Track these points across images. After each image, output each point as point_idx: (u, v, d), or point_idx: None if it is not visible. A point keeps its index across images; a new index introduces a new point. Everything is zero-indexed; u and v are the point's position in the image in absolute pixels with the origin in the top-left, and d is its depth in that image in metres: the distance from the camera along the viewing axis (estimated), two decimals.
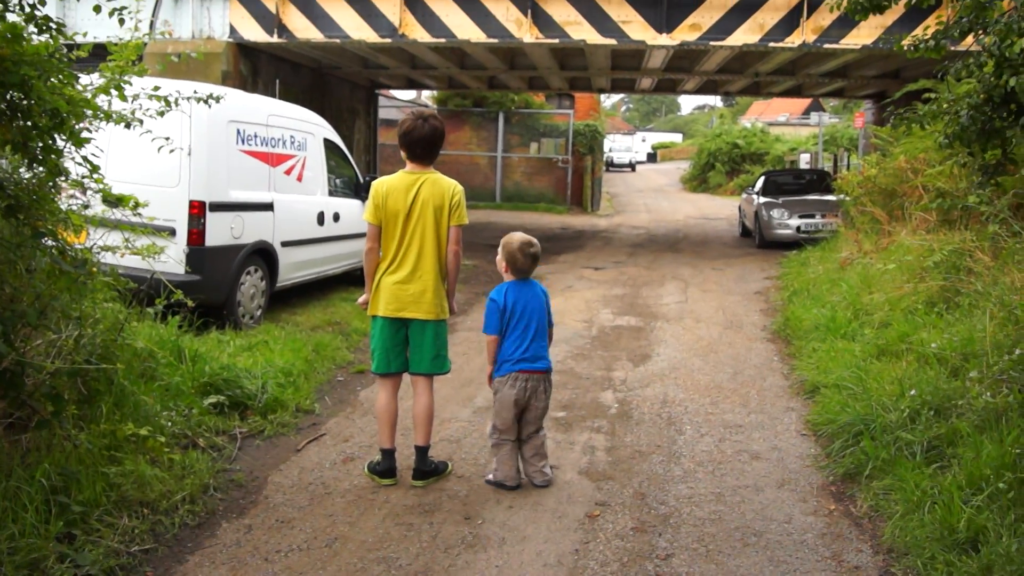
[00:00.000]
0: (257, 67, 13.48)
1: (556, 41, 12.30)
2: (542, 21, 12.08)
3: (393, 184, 4.13)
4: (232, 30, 12.54)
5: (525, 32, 12.07)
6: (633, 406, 5.61)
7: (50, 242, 3.84)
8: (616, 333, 7.97)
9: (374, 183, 4.21)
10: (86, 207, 4.47)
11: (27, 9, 3.62)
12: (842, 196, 11.84)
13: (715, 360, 6.88)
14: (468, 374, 6.28)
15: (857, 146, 24.47)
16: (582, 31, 12.08)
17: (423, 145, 4.12)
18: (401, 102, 26.88)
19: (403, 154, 4.19)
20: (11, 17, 3.55)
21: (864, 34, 11.60)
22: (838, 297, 7.78)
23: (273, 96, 13.29)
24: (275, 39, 12.47)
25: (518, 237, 4.24)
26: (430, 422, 4.26)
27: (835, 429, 4.72)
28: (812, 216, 14.55)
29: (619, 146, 55.14)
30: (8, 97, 3.47)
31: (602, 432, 5.07)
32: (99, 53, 4.63)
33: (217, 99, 5.10)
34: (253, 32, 12.50)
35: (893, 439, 4.24)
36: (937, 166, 8.46)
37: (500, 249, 4.25)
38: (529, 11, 11.99)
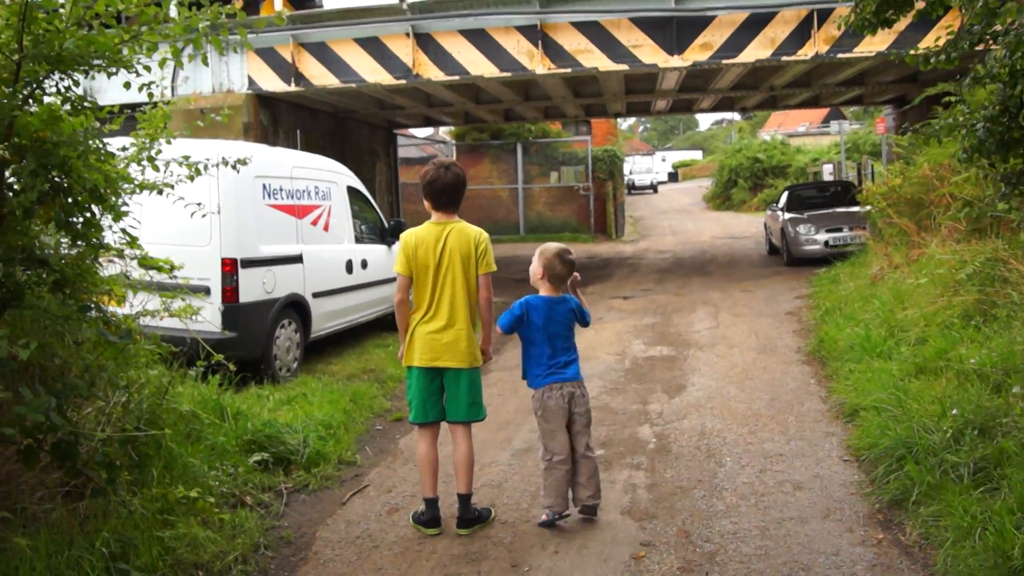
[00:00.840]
0: (277, 116, 13.75)
1: (568, 70, 12.43)
2: (553, 51, 12.23)
3: (421, 236, 4.22)
4: (251, 82, 12.82)
5: (537, 64, 12.21)
6: (671, 439, 5.61)
7: (95, 313, 3.97)
8: (649, 364, 7.97)
9: (403, 235, 4.29)
10: (127, 277, 4.60)
11: (63, 91, 3.77)
12: (868, 208, 11.77)
13: (751, 387, 6.86)
14: (505, 416, 6.31)
15: (880, 152, 24.29)
16: (593, 59, 12.20)
17: (448, 193, 4.22)
18: (419, 140, 27.21)
19: (427, 204, 4.28)
20: (47, 99, 3.70)
21: (878, 41, 11.55)
22: (871, 314, 7.73)
23: (294, 145, 13.56)
24: (293, 87, 12.73)
25: (555, 245, 4.38)
26: (471, 469, 4.30)
27: (877, 454, 4.69)
28: (840, 230, 14.46)
29: (639, 168, 55.15)
30: (50, 177, 3.60)
31: (642, 469, 5.08)
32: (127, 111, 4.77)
33: (245, 162, 5.21)
34: (271, 82, 12.78)
35: (938, 462, 4.21)
36: (963, 173, 8.40)
37: (536, 257, 4.35)
38: (540, 42, 12.13)
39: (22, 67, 3.42)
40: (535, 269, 4.34)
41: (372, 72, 12.53)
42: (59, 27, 3.45)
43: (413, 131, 25.18)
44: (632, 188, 46.79)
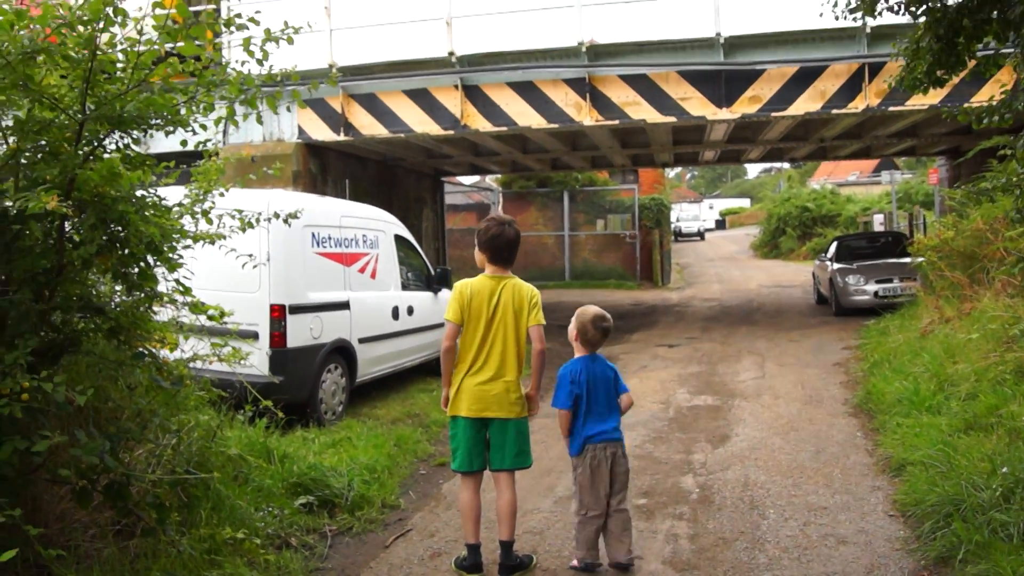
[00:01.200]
0: (326, 164, 14.08)
1: (616, 122, 12.56)
2: (601, 103, 12.38)
3: (477, 288, 4.31)
4: (301, 131, 13.19)
5: (585, 115, 12.37)
6: (714, 490, 5.57)
7: (147, 359, 4.12)
8: (693, 414, 7.92)
9: (458, 285, 4.36)
10: (179, 325, 4.76)
11: (121, 148, 3.97)
12: (919, 259, 11.61)
13: (796, 438, 6.78)
14: (547, 463, 6.32)
15: (933, 203, 23.92)
16: (641, 111, 12.32)
17: (508, 249, 4.34)
18: (466, 187, 27.60)
19: (484, 256, 4.37)
20: (106, 155, 3.89)
21: (931, 95, 11.45)
22: (921, 368, 7.60)
23: (343, 192, 13.87)
24: (342, 137, 13.04)
25: (592, 310, 4.41)
26: (514, 517, 4.33)
27: (924, 510, 4.60)
28: (890, 281, 14.26)
29: (686, 215, 55.05)
30: (108, 231, 3.78)
31: (684, 519, 5.04)
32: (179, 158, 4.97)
33: (296, 215, 5.36)
34: (321, 132, 13.12)
35: (986, 520, 4.13)
36: (1018, 227, 8.28)
37: (574, 319, 4.41)
38: (587, 94, 12.30)
39: (84, 127, 3.60)
40: (571, 330, 4.41)
41: (420, 123, 12.81)
42: (120, 88, 3.64)
43: (460, 178, 25.60)
44: (679, 235, 46.70)
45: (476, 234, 4.43)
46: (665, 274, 25.19)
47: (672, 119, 12.40)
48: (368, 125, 12.95)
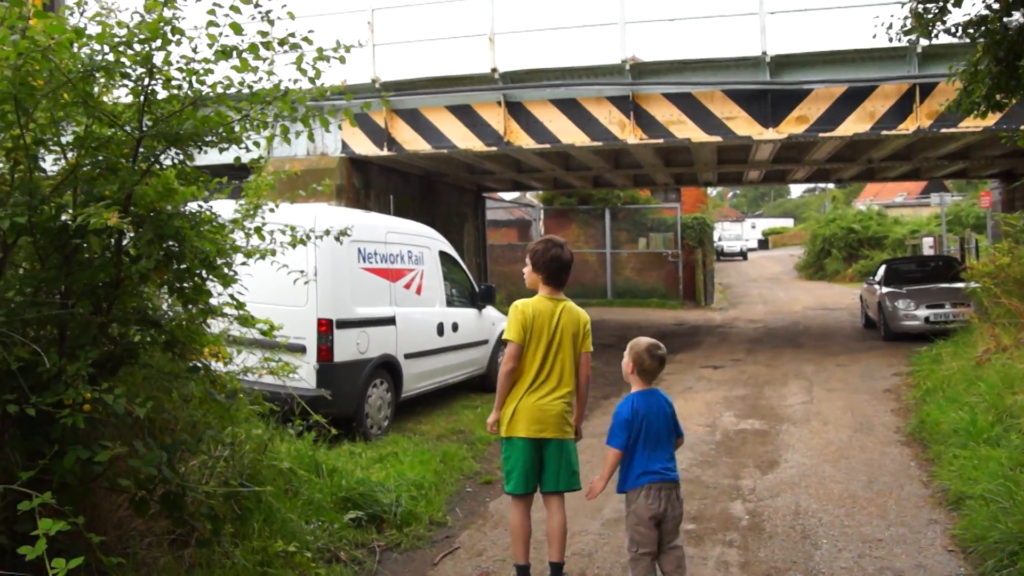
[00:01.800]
0: (368, 178, 14.19)
1: (660, 141, 12.50)
2: (645, 122, 12.33)
3: (538, 307, 4.31)
4: (344, 146, 13.32)
5: (629, 134, 12.31)
6: (764, 517, 5.47)
7: (202, 372, 4.16)
8: (740, 438, 7.81)
9: (518, 304, 4.32)
10: (232, 338, 4.80)
11: (176, 164, 4.02)
12: (973, 285, 11.35)
13: (847, 466, 6.64)
14: None
15: (985, 226, 23.41)
16: (686, 130, 12.24)
17: (565, 271, 4.37)
18: (507, 203, 27.66)
19: (539, 277, 4.36)
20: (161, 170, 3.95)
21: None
22: (977, 397, 7.40)
23: (386, 206, 13.96)
24: (385, 152, 13.16)
25: (646, 340, 4.31)
26: (564, 538, 4.30)
27: (987, 546, 4.46)
28: (941, 306, 13.97)
29: (729, 234, 54.62)
30: (165, 246, 3.83)
31: (734, 546, 4.96)
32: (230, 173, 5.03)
33: (347, 233, 5.37)
34: (364, 147, 13.23)
35: None
36: None
37: (627, 352, 4.32)
38: (631, 113, 12.26)
39: (142, 143, 3.67)
40: (626, 363, 4.31)
41: (463, 138, 12.86)
42: (175, 106, 3.70)
43: (500, 194, 25.67)
44: (721, 254, 46.27)
45: (530, 254, 4.41)
46: (708, 294, 24.98)
47: (717, 139, 12.32)
48: (411, 140, 13.05)
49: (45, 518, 2.84)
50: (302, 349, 6.90)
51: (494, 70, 12.38)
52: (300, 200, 6.68)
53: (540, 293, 4.38)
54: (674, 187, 24.48)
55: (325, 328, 7.04)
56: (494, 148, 12.85)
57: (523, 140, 12.71)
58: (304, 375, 6.58)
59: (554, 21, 12.37)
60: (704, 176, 20.63)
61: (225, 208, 4.62)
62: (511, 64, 12.53)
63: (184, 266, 3.91)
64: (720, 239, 47.94)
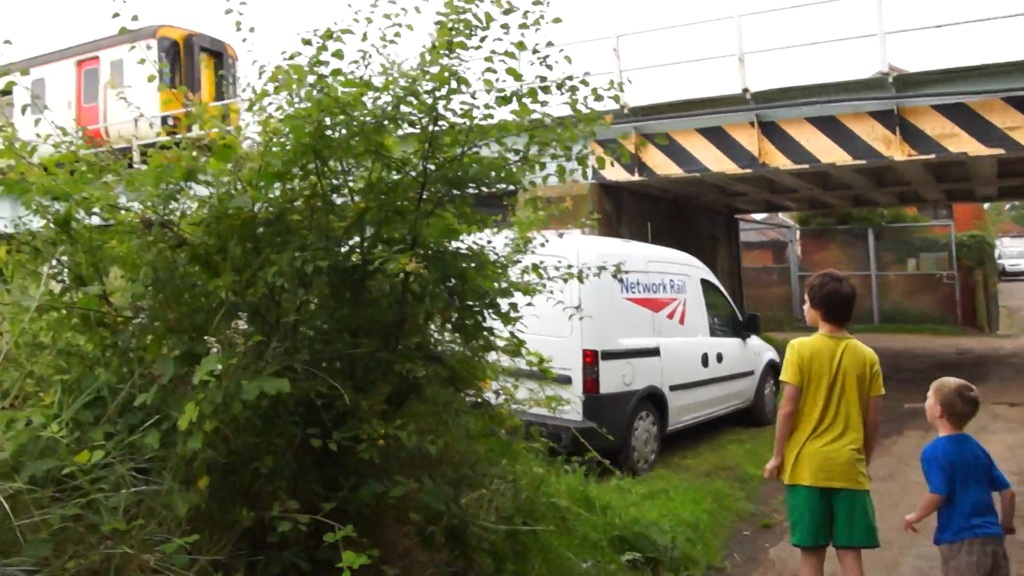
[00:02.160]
0: (619, 204, 14.13)
1: (931, 156, 11.30)
2: (912, 136, 11.21)
3: (816, 347, 4.01)
4: (594, 171, 13.33)
5: (895, 150, 11.27)
6: None
7: (483, 408, 4.21)
8: None
9: (794, 344, 4.07)
10: (502, 369, 4.81)
11: (457, 205, 4.11)
12: None
13: None
14: (884, 535, 5.55)
15: None
16: (960, 143, 10.96)
17: (847, 307, 4.05)
18: (759, 224, 26.60)
19: (817, 313, 4.08)
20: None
21: None
22: None
23: (638, 233, 13.82)
24: (636, 177, 13.03)
25: (954, 380, 3.86)
26: None
27: None
28: None
29: (1010, 251, 48.80)
30: (448, 285, 3.92)
31: None
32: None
33: (622, 269, 5.18)
34: (615, 172, 13.10)
35: None
36: None
37: (931, 394, 3.86)
38: (897, 128, 11.20)
39: (426, 187, 3.78)
40: (931, 406, 3.85)
41: (715, 161, 12.47)
42: (455, 152, 3.78)
43: (752, 215, 24.73)
44: (1003, 274, 41.41)
45: (807, 289, 4.16)
46: (992, 319, 22.35)
47: (999, 151, 10.91)
48: (662, 164, 12.83)
49: (347, 550, 2.92)
50: (567, 380, 6.88)
51: (745, 90, 11.91)
52: (556, 226, 6.72)
53: (820, 331, 4.07)
54: (945, 203, 22.25)
55: (591, 359, 6.99)
56: (749, 170, 12.35)
57: (779, 161, 12.10)
58: (569, 407, 6.54)
59: (806, 37, 11.67)
60: (981, 191, 18.49)
61: (496, 240, 4.67)
62: (761, 83, 12.03)
63: (468, 303, 3.99)
64: (1000, 256, 42.95)
